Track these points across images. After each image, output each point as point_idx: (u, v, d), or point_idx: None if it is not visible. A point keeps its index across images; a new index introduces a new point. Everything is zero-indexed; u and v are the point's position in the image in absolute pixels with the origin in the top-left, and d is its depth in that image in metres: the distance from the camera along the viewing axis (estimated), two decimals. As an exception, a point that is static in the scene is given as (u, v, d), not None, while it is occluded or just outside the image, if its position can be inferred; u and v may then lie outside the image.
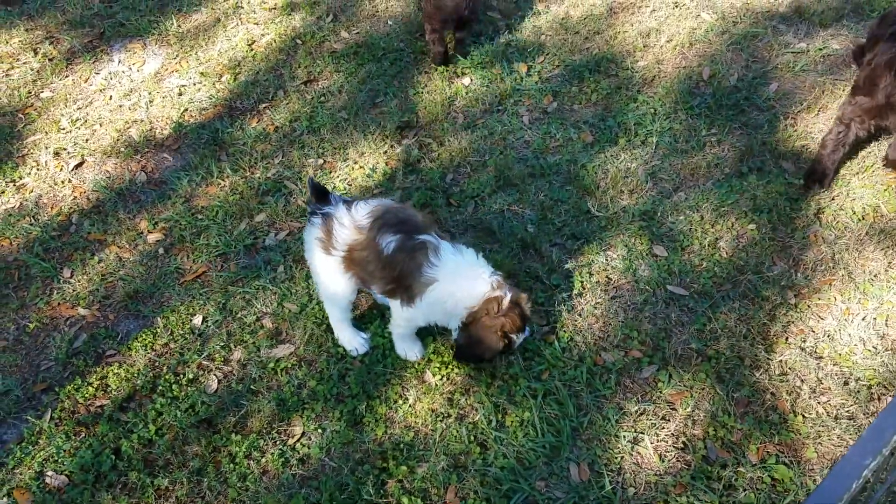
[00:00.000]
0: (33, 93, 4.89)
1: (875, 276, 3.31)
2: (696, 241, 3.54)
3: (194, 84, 4.82)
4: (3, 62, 5.14)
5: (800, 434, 2.83)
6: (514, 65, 4.68)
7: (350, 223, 2.90)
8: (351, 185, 4.06)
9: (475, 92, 4.55)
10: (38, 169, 4.33)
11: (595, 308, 3.34)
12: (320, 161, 4.23)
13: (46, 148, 4.45)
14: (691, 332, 3.19)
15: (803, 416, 2.88)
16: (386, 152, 4.23)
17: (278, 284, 3.57)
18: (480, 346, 2.89)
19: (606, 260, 3.52)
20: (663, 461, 2.81)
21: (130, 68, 5.03)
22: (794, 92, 4.19)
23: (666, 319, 3.25)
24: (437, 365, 3.17)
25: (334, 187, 4.05)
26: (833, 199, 3.64)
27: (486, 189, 3.95)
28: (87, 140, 4.49)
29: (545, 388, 3.05)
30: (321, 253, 2.99)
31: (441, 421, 2.99)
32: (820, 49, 4.43)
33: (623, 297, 3.36)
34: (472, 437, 2.94)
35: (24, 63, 5.14)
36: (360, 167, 4.16)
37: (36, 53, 5.22)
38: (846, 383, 2.97)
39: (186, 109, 4.63)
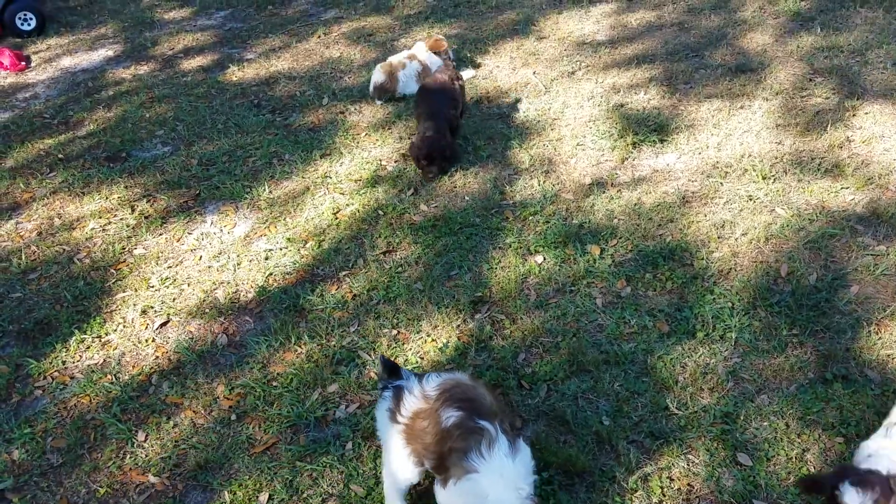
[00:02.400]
0: (127, 249, 5.16)
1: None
2: (781, 451, 3.41)
3: (280, 249, 5.03)
4: (101, 217, 5.48)
5: None
6: (587, 246, 4.77)
7: (419, 393, 2.94)
8: (423, 357, 4.09)
9: (548, 271, 4.63)
10: (124, 326, 4.49)
11: (675, 518, 3.19)
12: (394, 332, 4.29)
13: (134, 306, 4.63)
14: (781, 554, 3.00)
15: None
16: (459, 326, 4.28)
17: (346, 463, 3.54)
18: None
19: (688, 465, 3.40)
20: None
21: (221, 230, 5.30)
22: (876, 297, 4.14)
23: (752, 538, 3.08)
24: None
25: (406, 360, 4.08)
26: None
27: (560, 373, 3.92)
28: (174, 299, 4.67)
29: None
30: (388, 423, 3.01)
31: None
32: (901, 253, 4.41)
33: (705, 508, 3.21)
34: None
35: (121, 219, 5.47)
36: (433, 340, 4.21)
37: (133, 210, 5.56)
38: None
39: (271, 274, 4.81)
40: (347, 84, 7.26)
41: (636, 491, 3.31)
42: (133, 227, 5.39)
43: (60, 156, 6.32)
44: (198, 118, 6.81)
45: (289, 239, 5.13)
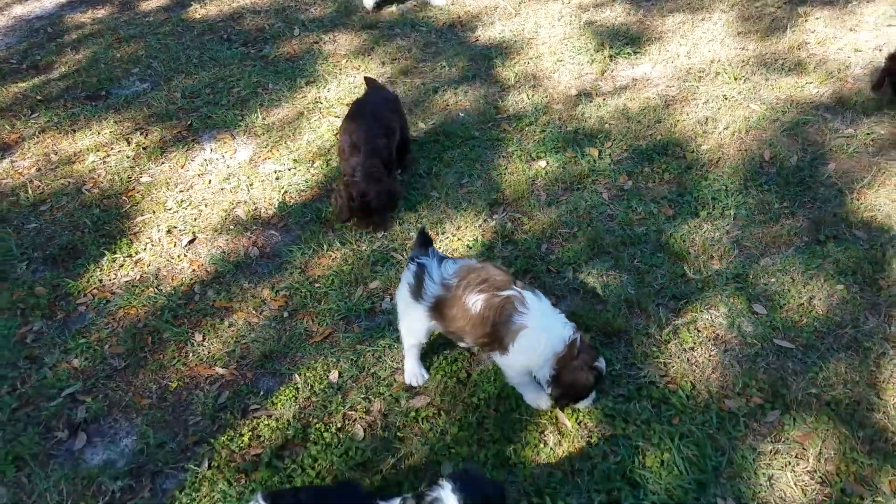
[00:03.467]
0: (133, 178, 5.19)
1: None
2: (791, 299, 3.86)
3: (289, 169, 5.17)
4: (99, 151, 5.47)
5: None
6: (585, 149, 5.10)
7: (438, 279, 3.24)
8: (453, 254, 4.35)
9: (553, 173, 4.94)
10: (152, 245, 4.58)
11: (710, 360, 3.60)
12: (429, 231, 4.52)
13: (157, 227, 4.72)
14: (806, 379, 3.46)
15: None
16: (480, 225, 4.55)
17: (397, 347, 3.80)
18: (576, 388, 3.13)
19: (711, 318, 3.81)
20: (805, 495, 3.02)
21: (223, 156, 5.38)
22: (852, 171, 4.63)
23: (780, 369, 3.52)
24: (569, 411, 3.38)
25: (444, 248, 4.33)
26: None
27: (582, 257, 4.26)
28: (195, 219, 4.77)
29: (679, 431, 3.27)
30: (409, 296, 3.33)
31: (585, 461, 3.18)
32: (868, 134, 4.91)
33: (734, 351, 3.64)
34: (620, 475, 3.12)
35: (119, 152, 5.47)
36: (459, 239, 4.47)
37: (129, 143, 5.56)
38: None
39: (286, 191, 4.95)
40: (315, 15, 7.31)
41: (669, 342, 3.70)
42: (133, 158, 5.40)
43: (39, 98, 6.20)
44: (171, 55, 6.76)
45: (295, 160, 5.27)
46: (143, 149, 5.49)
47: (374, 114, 4.68)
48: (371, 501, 2.63)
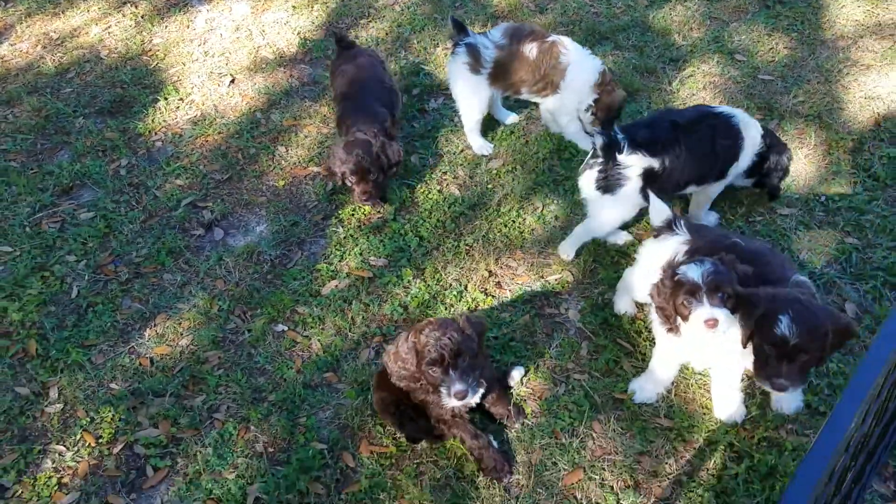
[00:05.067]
0: (146, 40, 5.44)
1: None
2: (761, 48, 4.79)
3: (292, 15, 5.56)
4: (98, 24, 5.62)
5: None
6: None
7: (492, 45, 3.93)
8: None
9: (533, -11, 5.60)
10: (199, 88, 4.94)
11: (714, 98, 4.49)
12: (439, 49, 5.11)
13: (194, 74, 5.05)
14: (789, 97, 4.41)
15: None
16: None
17: (453, 130, 4.45)
18: (613, 104, 3.98)
19: (708, 67, 4.69)
20: (812, 167, 3.99)
21: (222, 13, 5.68)
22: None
23: (768, 93, 4.45)
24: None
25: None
26: None
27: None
28: (226, 64, 5.14)
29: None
30: (469, 74, 4.00)
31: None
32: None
33: (730, 89, 4.53)
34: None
35: (118, 22, 5.65)
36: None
37: (123, 15, 5.73)
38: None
39: (299, 32, 5.37)
40: None
41: (680, 91, 4.55)
42: (136, 25, 5.61)
43: (3, -13, 6.16)
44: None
45: (294, 7, 5.65)
46: (141, 17, 5.68)
47: (371, 89, 4.11)
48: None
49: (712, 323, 2.58)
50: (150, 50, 5.34)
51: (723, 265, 2.67)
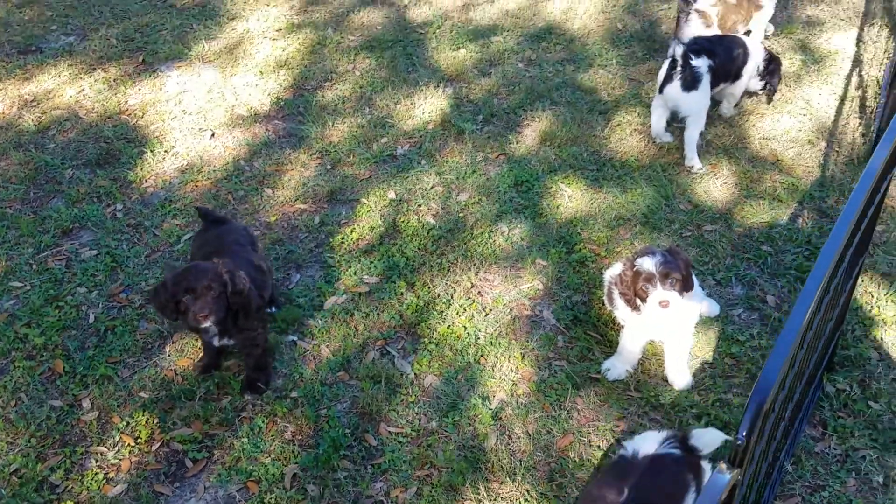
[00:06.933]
0: (120, 101, 5.85)
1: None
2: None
3: (260, 79, 6.12)
4: (71, 86, 6.01)
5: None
6: (491, 38, 6.62)
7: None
8: (433, 113, 5.66)
9: (476, 56, 6.39)
10: (181, 142, 5.38)
11: (639, 140, 5.30)
12: (400, 105, 5.76)
13: (176, 129, 5.50)
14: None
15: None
16: (440, 94, 5.90)
17: (424, 171, 5.08)
18: None
19: (631, 117, 5.52)
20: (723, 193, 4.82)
21: (191, 77, 6.19)
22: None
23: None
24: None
25: (414, 117, 5.60)
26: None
27: (526, 102, 5.77)
28: (203, 120, 5.61)
29: (643, 173, 4.92)
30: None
31: (593, 204, 4.73)
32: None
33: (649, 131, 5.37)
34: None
35: (91, 86, 6.06)
36: (430, 105, 5.78)
37: (95, 80, 6.14)
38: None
39: (269, 93, 5.93)
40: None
41: (611, 137, 5.35)
42: (109, 88, 6.02)
43: (-30, 58, 6.46)
44: (81, 12, 7.22)
45: (261, 72, 6.22)
46: (113, 80, 6.10)
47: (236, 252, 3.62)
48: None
49: (665, 303, 3.25)
50: (128, 109, 5.75)
51: (671, 255, 3.34)
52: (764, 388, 1.71)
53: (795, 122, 5.41)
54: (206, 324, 3.23)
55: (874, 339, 3.78)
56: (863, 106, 5.52)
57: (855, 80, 5.80)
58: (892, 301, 3.96)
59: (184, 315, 3.19)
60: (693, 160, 5.00)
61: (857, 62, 5.98)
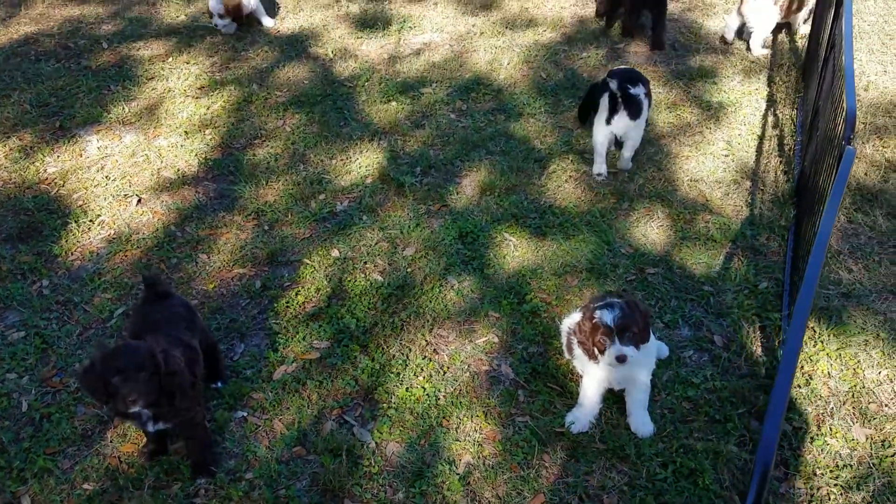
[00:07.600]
0: (39, 170, 5.57)
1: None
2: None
3: (185, 139, 5.95)
4: (-21, 156, 5.68)
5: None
6: (420, 90, 6.66)
7: None
8: (371, 167, 5.61)
9: (408, 108, 6.40)
10: (107, 210, 5.14)
11: (576, 188, 5.39)
12: (335, 160, 5.69)
13: (100, 197, 5.25)
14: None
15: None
16: (376, 147, 5.86)
17: (361, 228, 5.01)
18: None
19: (566, 164, 5.62)
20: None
21: (112, 141, 5.96)
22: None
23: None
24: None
25: (351, 171, 5.53)
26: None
27: (462, 152, 5.80)
28: (129, 186, 5.39)
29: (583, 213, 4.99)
30: None
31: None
32: (595, 53, 7.16)
33: (590, 184, 5.47)
34: (562, 253, 4.75)
35: (4, 155, 5.74)
36: (366, 157, 5.73)
37: (10, 148, 5.83)
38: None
39: (196, 154, 5.76)
40: (113, 30, 7.77)
41: (548, 184, 5.42)
42: (27, 156, 5.72)
43: None
44: (-13, 77, 6.89)
45: (186, 132, 6.05)
46: (29, 149, 5.81)
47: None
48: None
49: (623, 358, 3.27)
50: (47, 178, 5.47)
51: (629, 308, 3.36)
52: (767, 454, 1.70)
53: (719, 164, 5.61)
54: (135, 408, 3.03)
55: (822, 374, 3.89)
56: (781, 145, 5.78)
57: (771, 119, 6.09)
58: (834, 335, 4.10)
59: (112, 398, 2.97)
60: (628, 166, 5.55)
61: (772, 102, 6.28)
